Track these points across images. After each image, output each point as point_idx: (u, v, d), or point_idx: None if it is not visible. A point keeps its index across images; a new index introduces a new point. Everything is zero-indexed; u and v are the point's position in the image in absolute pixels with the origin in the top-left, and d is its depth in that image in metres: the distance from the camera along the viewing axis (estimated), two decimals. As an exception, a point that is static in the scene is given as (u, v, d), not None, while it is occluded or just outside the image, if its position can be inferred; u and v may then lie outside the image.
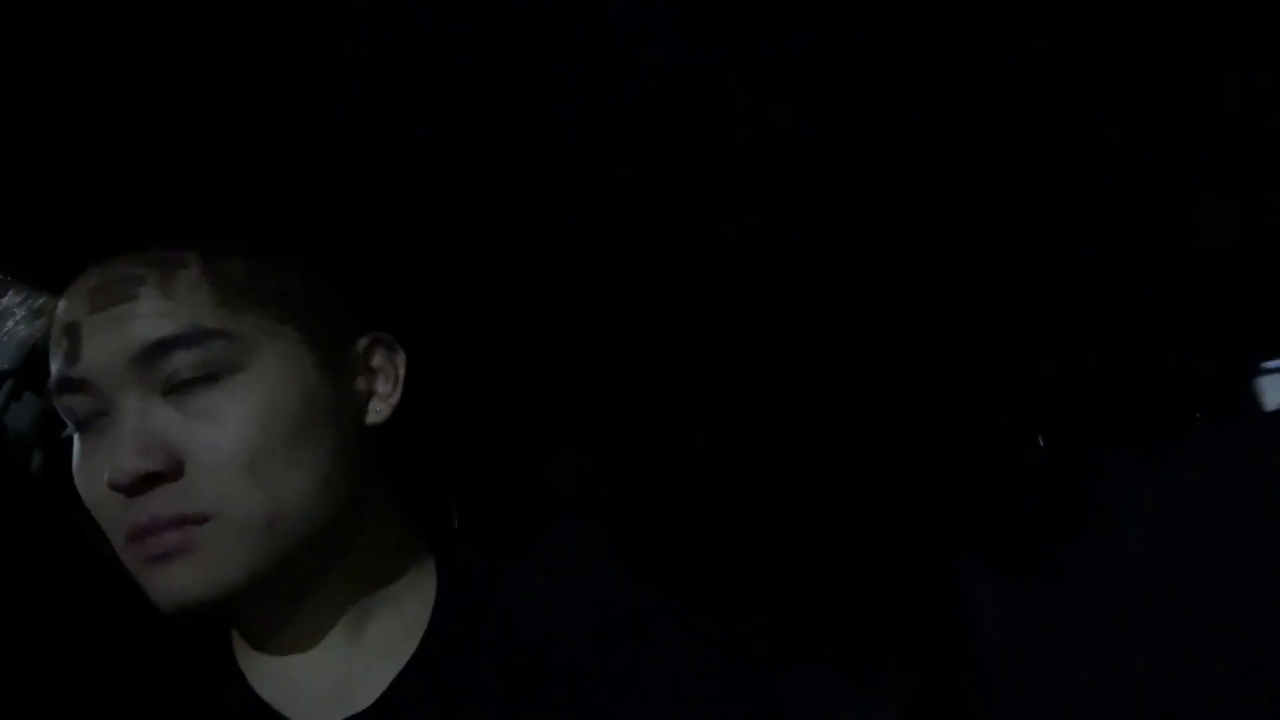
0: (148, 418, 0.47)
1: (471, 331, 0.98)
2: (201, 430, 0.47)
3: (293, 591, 0.52)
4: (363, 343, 0.55)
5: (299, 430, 0.48)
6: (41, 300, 0.57)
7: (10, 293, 0.59)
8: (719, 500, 1.14)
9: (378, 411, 0.54)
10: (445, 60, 0.45)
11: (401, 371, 0.55)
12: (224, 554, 0.46)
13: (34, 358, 0.70)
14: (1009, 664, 0.88)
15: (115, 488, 0.46)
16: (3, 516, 0.68)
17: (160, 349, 0.47)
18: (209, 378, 0.47)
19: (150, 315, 0.47)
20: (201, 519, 0.46)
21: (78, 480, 0.50)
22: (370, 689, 0.52)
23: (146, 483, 0.46)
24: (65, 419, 0.50)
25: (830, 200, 0.88)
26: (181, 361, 0.47)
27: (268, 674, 0.53)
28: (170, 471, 0.46)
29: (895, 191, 0.89)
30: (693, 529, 1.13)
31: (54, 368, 0.49)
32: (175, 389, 0.48)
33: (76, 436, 0.50)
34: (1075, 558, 0.92)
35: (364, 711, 0.51)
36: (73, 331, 0.48)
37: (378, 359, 0.55)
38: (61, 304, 0.50)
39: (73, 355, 0.48)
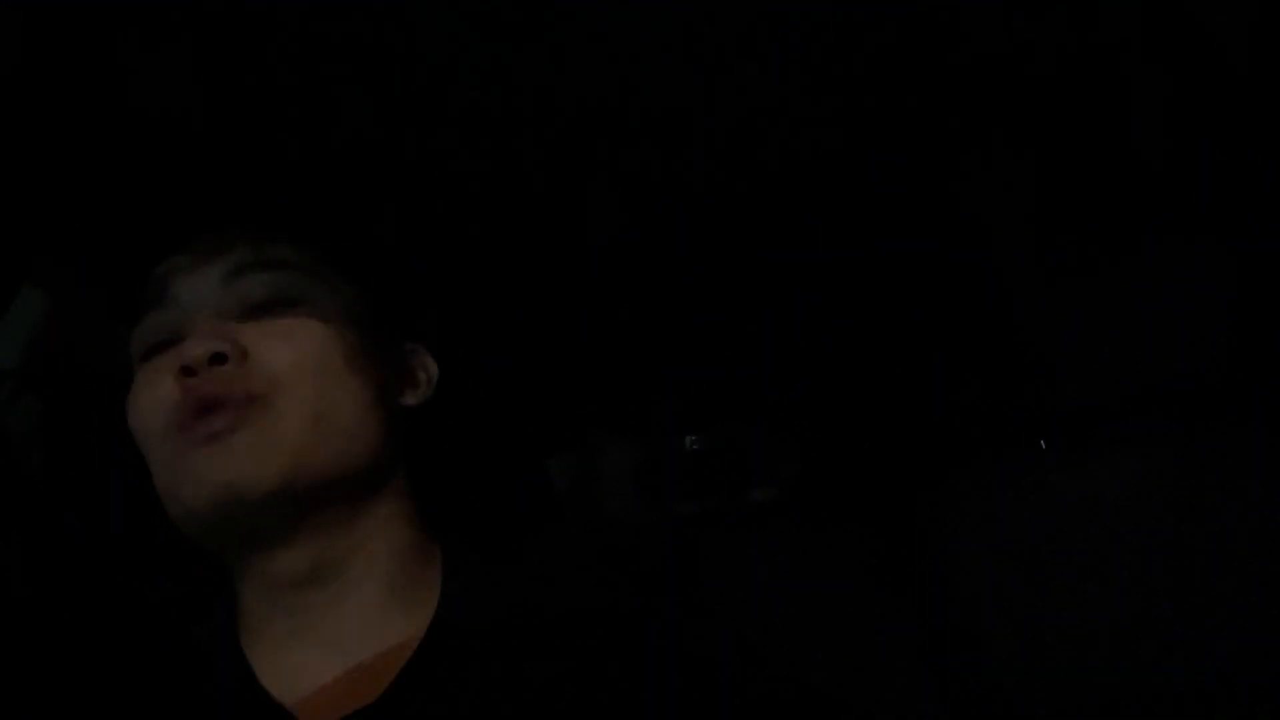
0: (221, 325, 0.54)
1: (472, 333, 0.99)
2: (267, 335, 0.54)
3: (311, 551, 0.53)
4: (405, 347, 0.64)
5: (350, 361, 0.56)
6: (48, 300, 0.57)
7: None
8: (718, 495, 1.14)
9: (411, 397, 0.63)
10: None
11: (434, 377, 0.65)
12: (273, 435, 0.52)
13: (36, 357, 0.70)
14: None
15: (186, 367, 0.52)
16: (4, 515, 0.69)
17: (240, 271, 0.56)
18: (278, 302, 0.56)
19: (237, 250, 0.57)
20: (258, 397, 0.52)
21: (139, 393, 0.55)
22: (375, 684, 0.52)
23: (214, 362, 0.52)
24: (141, 341, 0.56)
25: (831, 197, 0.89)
26: (256, 283, 0.56)
27: (273, 666, 0.53)
28: (236, 355, 0.53)
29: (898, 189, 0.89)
30: (691, 526, 1.14)
31: (148, 294, 0.57)
32: (249, 311, 0.55)
33: (145, 361, 0.56)
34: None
35: (369, 707, 0.51)
36: (174, 267, 0.57)
37: (415, 362, 0.65)
38: (169, 258, 0.58)
39: (168, 281, 0.56)
